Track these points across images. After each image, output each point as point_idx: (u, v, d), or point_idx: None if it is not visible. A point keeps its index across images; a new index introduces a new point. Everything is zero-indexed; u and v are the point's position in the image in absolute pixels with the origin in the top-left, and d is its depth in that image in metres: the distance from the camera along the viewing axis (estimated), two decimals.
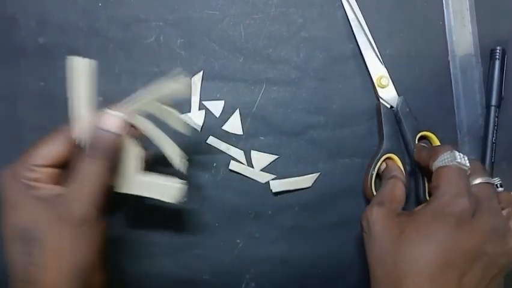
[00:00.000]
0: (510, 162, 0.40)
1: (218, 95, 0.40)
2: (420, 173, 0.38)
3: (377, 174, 0.38)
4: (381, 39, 0.39)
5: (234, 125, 0.39)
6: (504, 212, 0.31)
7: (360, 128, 0.40)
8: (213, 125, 0.39)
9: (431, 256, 0.28)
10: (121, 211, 0.39)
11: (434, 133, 0.39)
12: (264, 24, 0.40)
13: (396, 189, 0.35)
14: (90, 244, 0.29)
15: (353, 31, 0.39)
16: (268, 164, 0.39)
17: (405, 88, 0.39)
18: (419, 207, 0.33)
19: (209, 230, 0.40)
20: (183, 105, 0.39)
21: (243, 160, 0.39)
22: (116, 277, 0.39)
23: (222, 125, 0.39)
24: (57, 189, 0.29)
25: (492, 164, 0.39)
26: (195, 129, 0.39)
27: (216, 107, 0.39)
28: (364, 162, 0.39)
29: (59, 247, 0.28)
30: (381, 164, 0.38)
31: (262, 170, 0.39)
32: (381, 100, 0.39)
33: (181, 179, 0.32)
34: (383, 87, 0.39)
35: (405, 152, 0.39)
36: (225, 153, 0.39)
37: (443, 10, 0.40)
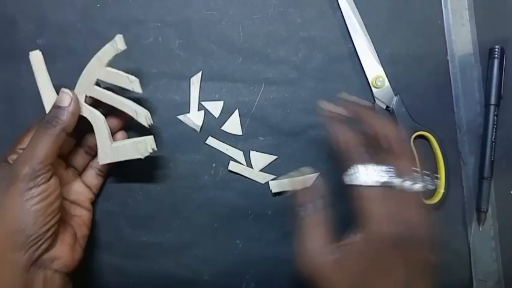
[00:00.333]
0: (510, 161, 0.40)
1: (217, 96, 0.40)
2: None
3: None
4: (380, 39, 0.39)
5: (233, 125, 0.39)
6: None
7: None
8: (212, 126, 0.39)
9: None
10: (121, 211, 0.39)
11: (430, 133, 0.39)
12: (263, 25, 0.40)
13: (314, 231, 0.31)
14: (38, 200, 0.31)
15: (348, 31, 0.39)
16: (267, 164, 0.40)
17: (404, 87, 0.39)
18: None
19: (209, 230, 0.40)
20: (183, 106, 0.39)
21: (243, 160, 0.39)
22: (116, 277, 0.39)
23: (221, 126, 0.39)
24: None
25: (491, 162, 0.39)
26: (194, 129, 0.39)
27: (215, 107, 0.39)
28: None
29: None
30: None
31: (261, 170, 0.39)
32: (376, 100, 0.39)
33: (149, 134, 0.35)
34: (378, 87, 0.39)
35: None
36: (224, 153, 0.39)
37: (442, 9, 0.40)
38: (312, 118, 0.39)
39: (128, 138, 0.37)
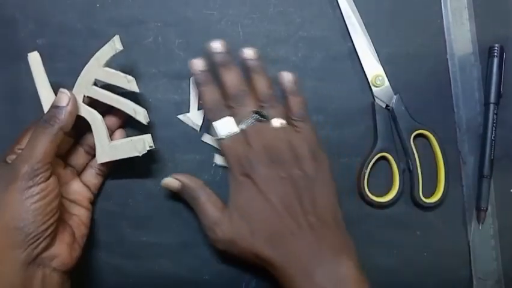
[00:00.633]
0: (509, 160, 0.40)
1: None
2: (417, 171, 0.38)
3: (370, 173, 0.39)
4: (379, 38, 0.39)
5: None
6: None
7: (359, 127, 0.40)
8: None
9: None
10: (121, 211, 0.39)
11: (430, 131, 0.39)
12: (262, 24, 0.40)
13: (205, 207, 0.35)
14: (37, 199, 0.31)
15: (348, 31, 0.39)
16: None
17: (404, 86, 0.39)
18: None
19: None
20: (182, 106, 0.39)
21: None
22: (116, 277, 0.39)
23: None
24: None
25: (491, 161, 0.39)
26: (194, 129, 0.39)
27: None
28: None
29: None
30: (374, 163, 0.39)
31: None
32: (376, 99, 0.39)
33: (148, 132, 0.35)
34: (377, 86, 0.39)
35: (400, 151, 0.39)
36: None
37: (442, 8, 0.40)
38: (312, 117, 0.39)
39: (127, 136, 0.38)
